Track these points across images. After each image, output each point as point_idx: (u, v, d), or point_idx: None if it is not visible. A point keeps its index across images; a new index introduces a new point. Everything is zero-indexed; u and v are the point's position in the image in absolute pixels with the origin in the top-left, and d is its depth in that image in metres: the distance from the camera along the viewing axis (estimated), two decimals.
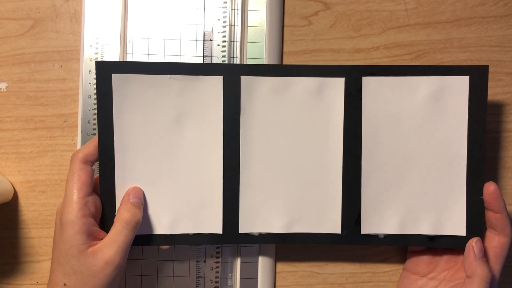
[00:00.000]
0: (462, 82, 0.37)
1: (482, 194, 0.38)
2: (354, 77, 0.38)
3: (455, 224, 0.38)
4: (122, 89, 0.37)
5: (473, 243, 0.37)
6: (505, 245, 0.37)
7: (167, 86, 0.37)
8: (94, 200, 0.36)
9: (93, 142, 0.37)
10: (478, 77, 0.37)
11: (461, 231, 0.38)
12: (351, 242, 0.39)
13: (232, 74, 0.37)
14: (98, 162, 0.37)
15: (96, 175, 0.38)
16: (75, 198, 0.35)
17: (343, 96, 0.38)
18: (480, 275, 0.36)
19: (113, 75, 0.36)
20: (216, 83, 0.38)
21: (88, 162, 0.36)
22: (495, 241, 0.37)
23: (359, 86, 0.38)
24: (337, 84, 0.38)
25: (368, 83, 0.38)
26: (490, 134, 0.43)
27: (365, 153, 0.38)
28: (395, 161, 0.38)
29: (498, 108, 0.43)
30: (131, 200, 0.37)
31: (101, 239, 0.36)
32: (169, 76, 0.37)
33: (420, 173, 0.38)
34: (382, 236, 0.39)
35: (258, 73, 0.38)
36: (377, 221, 0.39)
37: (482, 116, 0.37)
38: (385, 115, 0.38)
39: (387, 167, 0.38)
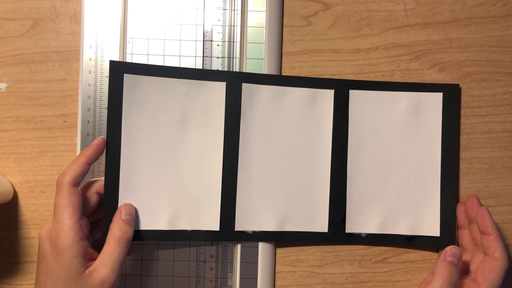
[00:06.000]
0: (436, 98, 0.42)
1: (455, 199, 0.41)
2: (342, 90, 0.41)
3: (430, 225, 0.42)
4: (132, 88, 0.39)
5: (449, 248, 0.37)
6: (495, 268, 0.37)
7: (174, 88, 0.39)
8: (85, 221, 0.37)
9: (78, 163, 0.36)
10: (450, 94, 0.42)
11: (436, 232, 0.42)
12: (337, 240, 0.42)
13: (234, 81, 0.40)
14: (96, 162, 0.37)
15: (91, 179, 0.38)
16: (70, 223, 0.35)
17: (332, 107, 0.41)
18: (439, 274, 0.36)
19: (125, 75, 0.38)
20: (219, 88, 0.40)
21: (77, 184, 0.36)
22: (483, 261, 0.37)
23: (346, 98, 0.41)
24: (328, 96, 0.41)
25: (355, 95, 0.41)
26: (490, 134, 0.43)
27: (350, 158, 0.41)
28: (377, 166, 0.42)
29: (497, 108, 0.43)
30: (122, 217, 0.37)
31: (95, 258, 0.36)
32: (176, 79, 0.39)
33: (399, 178, 0.42)
34: (365, 235, 0.42)
35: (258, 81, 0.40)
36: (360, 221, 0.42)
37: (454, 128, 0.42)
38: (368, 125, 0.42)
39: (369, 172, 0.42)
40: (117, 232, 0.36)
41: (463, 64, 0.43)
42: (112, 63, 0.38)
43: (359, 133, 0.41)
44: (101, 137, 0.38)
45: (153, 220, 0.40)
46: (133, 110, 0.39)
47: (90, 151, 0.37)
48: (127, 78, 0.38)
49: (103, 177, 0.40)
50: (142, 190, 0.39)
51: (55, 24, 0.42)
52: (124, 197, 0.39)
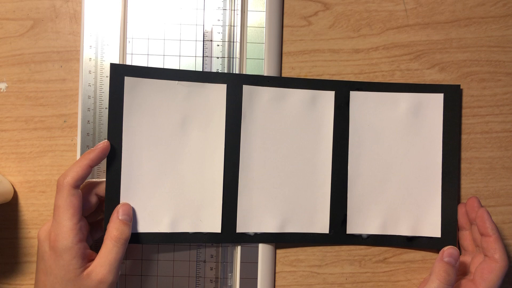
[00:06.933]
0: (437, 99, 0.42)
1: (456, 200, 0.41)
2: (343, 91, 0.41)
3: (431, 226, 0.42)
4: (133, 91, 0.39)
5: (446, 248, 0.37)
6: (494, 269, 0.37)
7: (174, 91, 0.39)
8: (84, 223, 0.37)
9: (80, 166, 0.36)
10: (452, 95, 0.42)
11: (436, 233, 0.42)
12: (338, 241, 0.42)
13: (235, 83, 0.40)
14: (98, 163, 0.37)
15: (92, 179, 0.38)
16: (70, 225, 0.35)
17: (333, 108, 0.41)
18: (436, 274, 0.36)
19: (126, 78, 0.38)
20: (220, 90, 0.40)
21: (78, 186, 0.36)
22: (482, 262, 0.38)
23: (347, 99, 0.41)
24: (328, 97, 0.41)
25: (355, 97, 0.41)
26: (490, 134, 0.43)
27: (351, 160, 0.42)
28: (378, 167, 0.42)
29: (497, 108, 0.43)
30: (120, 218, 0.37)
31: (93, 259, 0.36)
32: (177, 82, 0.39)
33: (400, 179, 0.42)
34: (366, 236, 0.42)
35: (258, 83, 0.40)
36: (361, 222, 0.42)
37: (455, 129, 0.42)
38: (369, 126, 0.42)
39: (370, 173, 0.42)
40: (115, 232, 0.36)
41: (463, 64, 0.43)
42: (113, 66, 0.38)
43: (359, 135, 0.41)
44: (106, 140, 0.38)
45: (155, 222, 0.39)
46: (134, 112, 0.39)
47: (93, 154, 0.37)
48: (128, 80, 0.38)
49: (102, 179, 0.40)
50: (143, 192, 0.39)
51: (55, 24, 0.42)
52: (125, 200, 0.39)
